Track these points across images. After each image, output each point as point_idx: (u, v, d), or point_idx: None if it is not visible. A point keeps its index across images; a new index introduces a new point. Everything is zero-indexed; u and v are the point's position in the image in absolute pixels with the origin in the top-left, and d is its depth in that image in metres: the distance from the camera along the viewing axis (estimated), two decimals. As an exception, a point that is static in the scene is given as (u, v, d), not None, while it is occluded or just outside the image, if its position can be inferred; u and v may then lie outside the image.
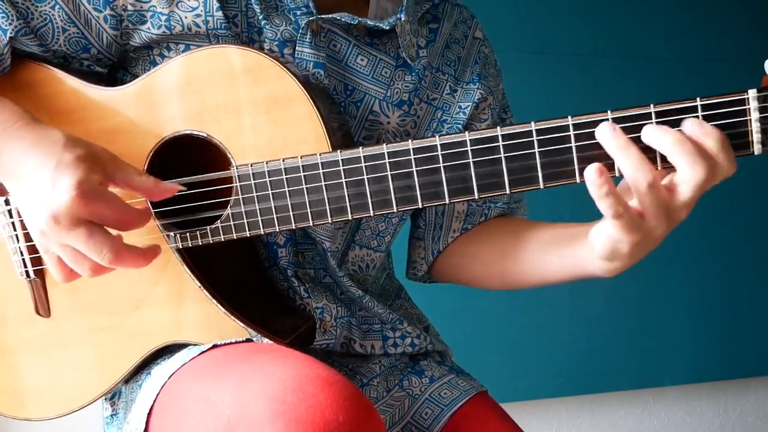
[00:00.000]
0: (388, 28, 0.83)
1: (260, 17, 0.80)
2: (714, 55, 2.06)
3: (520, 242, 0.88)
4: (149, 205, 0.77)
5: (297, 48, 0.81)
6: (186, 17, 0.79)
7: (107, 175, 0.70)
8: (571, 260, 0.79)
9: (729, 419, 2.33)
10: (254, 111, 0.75)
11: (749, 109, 0.65)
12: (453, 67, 0.92)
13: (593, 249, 0.72)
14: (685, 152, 0.63)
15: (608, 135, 0.65)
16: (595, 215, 0.72)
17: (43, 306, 0.83)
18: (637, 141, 0.65)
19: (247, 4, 0.81)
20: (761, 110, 0.64)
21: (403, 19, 0.84)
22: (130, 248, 0.71)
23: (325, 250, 0.86)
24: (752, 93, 0.64)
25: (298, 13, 0.81)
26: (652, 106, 0.66)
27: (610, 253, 0.70)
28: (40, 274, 0.83)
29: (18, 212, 0.81)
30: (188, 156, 0.79)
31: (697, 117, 0.65)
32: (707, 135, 0.64)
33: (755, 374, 2.28)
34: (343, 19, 0.81)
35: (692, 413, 2.29)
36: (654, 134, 0.65)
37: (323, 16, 0.81)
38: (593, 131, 0.67)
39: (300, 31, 0.81)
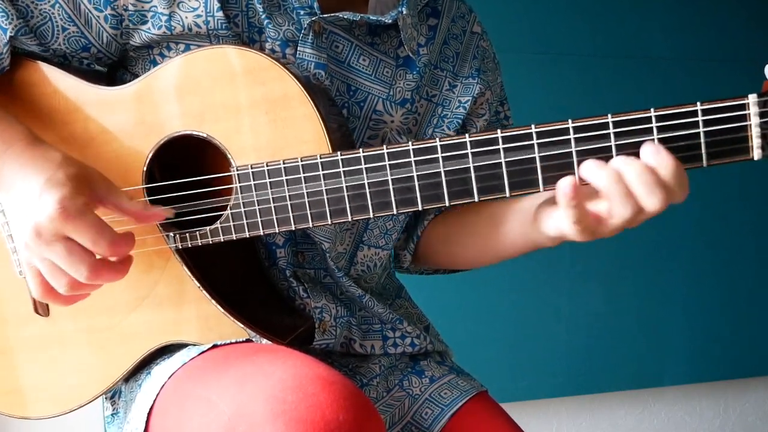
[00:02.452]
0: (390, 21, 0.84)
1: (263, 16, 0.80)
2: (713, 55, 2.06)
3: (477, 219, 0.91)
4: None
5: (299, 48, 0.81)
6: (187, 17, 0.79)
7: (96, 197, 0.71)
8: (522, 236, 0.82)
9: (729, 419, 2.33)
10: (254, 111, 0.75)
11: (749, 114, 0.65)
12: (451, 63, 0.92)
13: (541, 230, 0.75)
14: (617, 193, 0.66)
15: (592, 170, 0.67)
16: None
17: (41, 305, 0.83)
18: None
19: (248, 3, 0.81)
20: (761, 115, 0.65)
21: (404, 12, 0.84)
22: (106, 264, 0.71)
23: (324, 251, 0.87)
24: (752, 98, 0.65)
25: (302, 12, 0.81)
26: (652, 110, 0.66)
27: (557, 239, 0.74)
28: None
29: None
30: (188, 156, 0.79)
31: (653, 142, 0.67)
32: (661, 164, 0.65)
33: (755, 374, 2.28)
34: (345, 17, 0.81)
35: (692, 413, 2.29)
36: (591, 170, 0.67)
37: (325, 15, 0.81)
38: (593, 134, 0.67)
39: (302, 31, 0.81)
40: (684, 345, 2.14)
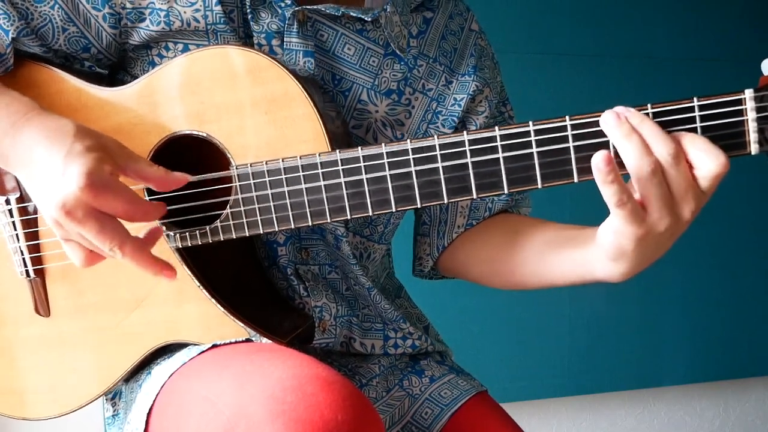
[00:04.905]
0: (369, 19, 0.83)
1: (248, 10, 0.81)
2: (714, 55, 2.06)
3: (525, 242, 0.88)
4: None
5: (285, 39, 0.82)
6: (185, 12, 0.79)
7: (118, 166, 0.70)
8: (578, 263, 0.79)
9: (729, 419, 2.33)
10: (254, 111, 0.76)
11: (746, 109, 0.65)
12: (449, 58, 0.92)
13: (600, 249, 0.72)
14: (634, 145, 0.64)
15: (612, 123, 0.65)
16: (594, 215, 0.73)
17: (42, 305, 0.83)
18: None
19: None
20: (758, 110, 0.65)
21: (388, 10, 0.84)
22: (138, 249, 0.70)
23: (338, 237, 0.86)
24: (749, 93, 0.65)
25: (283, 5, 0.81)
26: (649, 106, 0.66)
27: (616, 249, 0.70)
28: (40, 273, 0.83)
29: (18, 211, 0.81)
30: (188, 156, 0.79)
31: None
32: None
33: (755, 374, 2.28)
34: (327, 11, 0.81)
35: (692, 413, 2.29)
36: (609, 122, 0.66)
37: (308, 6, 0.81)
38: (591, 131, 0.67)
39: (286, 22, 0.81)
40: (684, 345, 2.14)
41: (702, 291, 2.14)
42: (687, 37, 2.05)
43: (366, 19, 0.83)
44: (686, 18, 2.05)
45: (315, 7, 0.81)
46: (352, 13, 0.82)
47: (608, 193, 0.64)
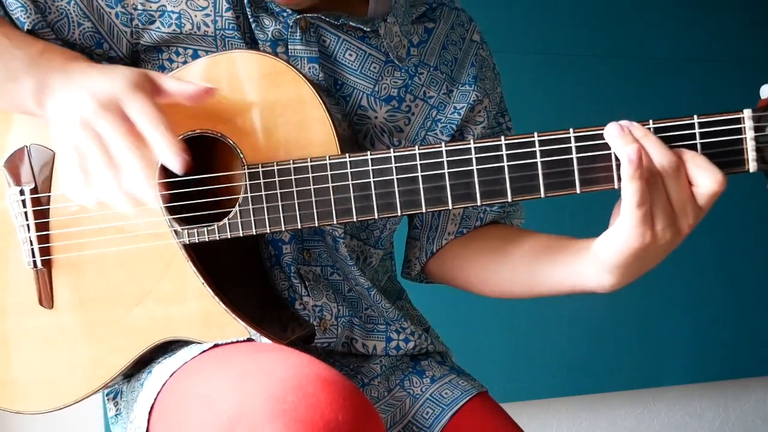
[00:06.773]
0: (368, 30, 0.85)
1: (250, 19, 0.82)
2: (714, 56, 2.06)
3: (515, 251, 0.89)
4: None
5: (289, 46, 0.83)
6: (196, 16, 0.81)
7: (155, 83, 0.71)
8: (569, 272, 0.80)
9: (729, 419, 2.33)
10: (268, 113, 0.77)
11: (744, 128, 0.67)
12: (450, 68, 0.92)
13: (596, 260, 0.73)
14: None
15: (616, 134, 0.68)
16: (594, 226, 0.74)
17: (47, 297, 0.84)
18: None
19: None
20: (756, 129, 0.67)
21: (389, 20, 0.86)
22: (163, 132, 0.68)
23: (336, 239, 0.87)
24: (747, 113, 0.67)
25: (285, 14, 0.82)
26: (651, 122, 0.69)
27: (615, 259, 0.71)
28: (47, 264, 0.83)
29: (32, 201, 0.82)
30: (202, 154, 0.80)
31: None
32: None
33: (755, 374, 2.28)
34: (327, 18, 0.83)
35: (692, 413, 2.29)
36: (614, 138, 0.68)
37: (308, 14, 0.82)
38: (594, 143, 0.69)
39: (289, 29, 0.82)
40: (684, 345, 2.15)
41: (702, 291, 2.14)
42: (687, 37, 2.05)
43: (365, 29, 0.84)
44: (686, 18, 2.05)
45: (315, 14, 0.82)
46: (351, 23, 0.83)
47: (632, 189, 0.66)
